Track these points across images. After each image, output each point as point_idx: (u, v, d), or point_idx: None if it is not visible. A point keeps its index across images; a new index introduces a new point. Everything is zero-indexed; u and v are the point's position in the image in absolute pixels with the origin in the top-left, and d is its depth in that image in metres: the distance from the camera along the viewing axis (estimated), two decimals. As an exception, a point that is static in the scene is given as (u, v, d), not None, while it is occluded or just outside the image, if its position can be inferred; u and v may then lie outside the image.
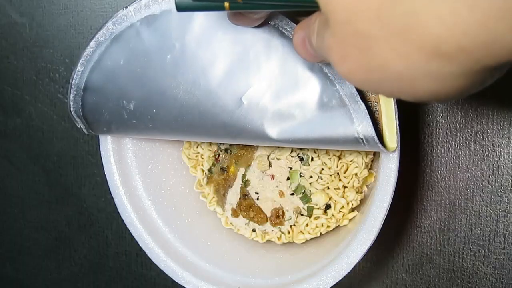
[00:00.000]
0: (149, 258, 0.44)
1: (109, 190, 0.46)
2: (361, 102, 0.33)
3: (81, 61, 0.38)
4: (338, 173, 0.42)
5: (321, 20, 0.26)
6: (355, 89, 0.33)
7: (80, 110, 0.40)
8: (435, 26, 0.19)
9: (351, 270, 0.38)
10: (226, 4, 0.27)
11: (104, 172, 0.45)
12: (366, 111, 0.33)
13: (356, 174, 0.42)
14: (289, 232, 0.44)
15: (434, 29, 0.19)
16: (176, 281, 0.44)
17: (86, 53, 0.38)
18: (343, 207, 0.43)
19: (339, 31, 0.22)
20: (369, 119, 0.33)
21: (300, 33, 0.29)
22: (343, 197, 0.42)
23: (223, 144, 0.45)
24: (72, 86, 0.39)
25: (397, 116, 0.35)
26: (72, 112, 0.40)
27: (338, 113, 0.34)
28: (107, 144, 0.45)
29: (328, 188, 0.42)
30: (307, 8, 0.26)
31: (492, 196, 0.42)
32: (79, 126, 0.42)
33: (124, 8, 0.36)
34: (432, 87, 0.21)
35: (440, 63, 0.20)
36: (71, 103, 0.40)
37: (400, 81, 0.22)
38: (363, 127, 0.33)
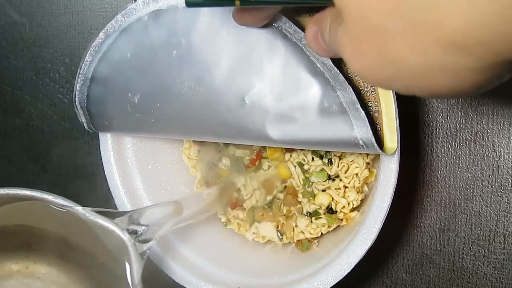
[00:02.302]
0: (149, 258, 0.44)
1: (109, 190, 0.46)
2: (361, 110, 0.33)
3: (89, 51, 0.38)
4: (339, 173, 0.42)
5: (334, 15, 0.25)
6: (355, 96, 0.33)
7: (85, 101, 0.40)
8: (452, 18, 0.19)
9: (351, 270, 0.38)
10: (237, 2, 0.27)
11: (104, 172, 0.45)
12: (366, 119, 0.33)
13: (357, 174, 0.42)
14: (290, 233, 0.44)
15: (451, 22, 0.19)
16: (176, 281, 0.44)
17: (95, 44, 0.38)
18: (344, 207, 0.43)
19: (353, 27, 0.22)
20: (369, 126, 0.33)
21: (313, 28, 0.28)
22: (344, 197, 0.42)
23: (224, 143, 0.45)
24: (80, 75, 0.39)
25: (397, 116, 0.35)
26: (76, 103, 0.40)
27: (338, 118, 0.34)
28: (107, 144, 0.45)
29: (329, 188, 0.43)
30: (319, 4, 0.26)
31: (492, 196, 0.42)
32: (80, 120, 0.41)
33: (133, 1, 0.36)
34: (448, 82, 0.21)
35: (457, 56, 0.20)
36: (77, 92, 0.40)
37: (416, 76, 0.21)
38: (363, 134, 0.33)
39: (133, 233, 0.36)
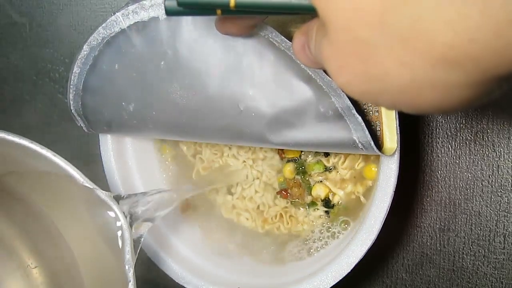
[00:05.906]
0: (150, 258, 0.44)
1: (109, 190, 0.46)
2: (358, 115, 0.33)
3: (76, 63, 0.38)
4: (336, 165, 0.43)
5: (319, 26, 0.24)
6: (350, 102, 0.33)
7: (80, 109, 0.40)
8: (441, 32, 0.18)
9: (351, 270, 0.38)
10: (218, 11, 0.26)
11: (104, 172, 0.45)
12: (363, 123, 0.33)
13: (353, 166, 0.42)
14: (288, 223, 0.45)
15: (440, 35, 0.18)
16: (176, 281, 0.44)
17: (80, 56, 0.37)
18: (341, 199, 0.43)
19: (337, 39, 0.21)
20: (367, 130, 0.33)
21: (300, 38, 0.27)
22: (341, 188, 0.43)
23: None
24: (71, 86, 0.39)
25: (397, 116, 0.35)
26: (72, 111, 0.40)
27: (335, 123, 0.33)
28: (107, 144, 0.45)
29: (327, 180, 0.43)
30: (304, 14, 0.25)
31: (492, 196, 0.42)
32: (79, 125, 0.41)
33: (113, 14, 0.36)
34: (437, 98, 0.20)
35: (446, 72, 0.19)
36: (71, 102, 0.40)
37: (403, 91, 0.20)
38: (361, 137, 0.33)
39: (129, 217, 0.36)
